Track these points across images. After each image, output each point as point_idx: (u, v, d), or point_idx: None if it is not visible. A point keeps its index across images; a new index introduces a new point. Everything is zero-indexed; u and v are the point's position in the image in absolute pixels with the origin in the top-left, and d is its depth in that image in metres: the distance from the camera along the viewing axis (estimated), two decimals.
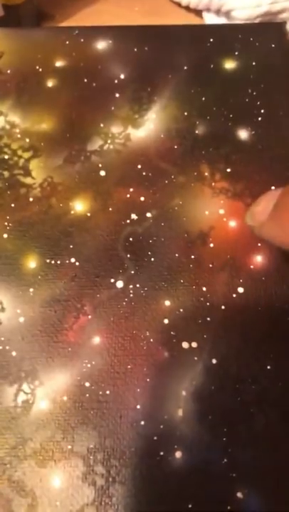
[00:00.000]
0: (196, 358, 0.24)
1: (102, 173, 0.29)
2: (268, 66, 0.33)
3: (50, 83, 0.33)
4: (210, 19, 0.37)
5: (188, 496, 0.22)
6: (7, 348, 0.25)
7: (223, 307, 0.25)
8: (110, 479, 0.22)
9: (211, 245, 0.27)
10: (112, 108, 0.31)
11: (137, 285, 0.26)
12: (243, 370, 0.24)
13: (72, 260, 0.27)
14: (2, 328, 0.25)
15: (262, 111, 0.31)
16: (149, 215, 0.28)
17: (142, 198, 0.28)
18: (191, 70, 0.33)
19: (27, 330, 0.25)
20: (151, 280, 0.26)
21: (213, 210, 0.28)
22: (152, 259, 0.27)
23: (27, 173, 0.29)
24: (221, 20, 0.37)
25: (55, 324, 0.25)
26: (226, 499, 0.21)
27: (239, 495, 0.22)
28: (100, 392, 0.24)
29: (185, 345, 0.24)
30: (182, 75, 0.33)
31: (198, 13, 0.39)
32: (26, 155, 0.30)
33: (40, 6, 0.39)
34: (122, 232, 0.27)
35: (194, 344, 0.24)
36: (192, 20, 0.39)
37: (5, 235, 0.27)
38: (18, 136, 0.31)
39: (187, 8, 0.39)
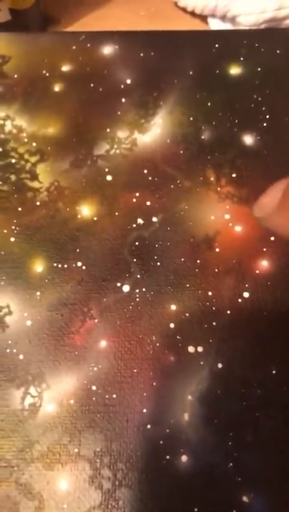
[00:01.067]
0: (202, 363, 0.24)
1: (109, 177, 0.30)
2: (273, 72, 0.33)
3: (56, 88, 0.33)
4: (215, 25, 0.38)
5: (194, 500, 0.22)
6: (14, 351, 0.25)
7: (228, 312, 0.25)
8: (117, 483, 0.22)
9: (217, 250, 0.27)
10: (119, 113, 0.32)
11: (143, 289, 0.26)
12: (248, 374, 0.24)
13: (79, 264, 0.27)
14: (9, 331, 0.25)
15: (267, 116, 0.31)
16: (155, 219, 0.28)
17: (148, 203, 0.29)
18: (197, 75, 0.33)
19: (34, 333, 0.25)
20: (157, 284, 0.26)
21: (218, 214, 0.28)
22: (158, 263, 0.27)
23: (34, 177, 0.30)
24: (227, 26, 0.37)
25: (62, 328, 0.25)
26: (232, 503, 0.22)
27: (245, 499, 0.22)
28: (107, 396, 0.24)
29: (191, 349, 0.25)
30: (188, 80, 0.33)
31: (203, 18, 0.39)
32: (33, 159, 0.30)
33: (47, 11, 0.39)
34: (128, 236, 0.28)
35: (200, 348, 0.25)
36: (198, 25, 0.39)
37: (12, 239, 0.28)
38: (25, 140, 0.31)
39: (193, 13, 0.39)
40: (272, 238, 0.27)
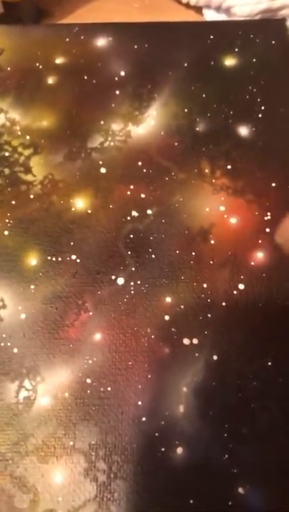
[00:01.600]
0: (197, 355, 0.24)
1: (103, 170, 0.29)
2: (268, 63, 0.33)
3: (50, 80, 0.33)
4: (210, 16, 0.37)
5: (189, 492, 0.22)
6: (8, 344, 0.25)
7: (223, 303, 0.25)
8: (112, 475, 0.22)
9: (212, 242, 0.27)
10: (113, 105, 0.31)
11: (138, 282, 0.26)
12: (244, 366, 0.24)
13: (73, 257, 0.27)
14: (3, 324, 0.25)
15: (262, 107, 0.31)
16: (149, 212, 0.28)
17: (143, 195, 0.28)
18: (192, 66, 0.33)
19: (28, 327, 0.25)
20: (152, 277, 0.26)
21: (213, 206, 0.28)
22: (153, 256, 0.27)
23: (28, 170, 0.30)
24: (221, 17, 0.37)
25: (56, 321, 0.25)
26: (227, 495, 0.22)
27: (240, 490, 0.22)
28: (102, 389, 0.24)
29: (186, 341, 0.24)
30: (182, 71, 0.33)
31: (198, 10, 0.39)
32: (27, 152, 0.30)
33: (40, 4, 0.39)
34: (123, 229, 0.27)
35: (195, 340, 0.24)
36: (192, 17, 0.39)
37: (6, 232, 0.27)
38: (19, 133, 0.31)
39: (187, 5, 0.39)
40: (267, 230, 0.27)
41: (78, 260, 0.27)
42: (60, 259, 0.27)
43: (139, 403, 0.23)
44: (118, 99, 0.32)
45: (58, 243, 0.27)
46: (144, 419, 0.23)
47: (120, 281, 0.26)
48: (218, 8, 0.36)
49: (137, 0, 0.39)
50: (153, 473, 0.22)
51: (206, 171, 0.29)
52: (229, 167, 0.29)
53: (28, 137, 0.31)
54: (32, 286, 0.26)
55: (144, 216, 0.28)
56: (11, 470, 0.22)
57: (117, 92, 0.32)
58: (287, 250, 0.21)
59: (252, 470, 0.22)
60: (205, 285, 0.26)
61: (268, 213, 0.27)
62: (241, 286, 0.26)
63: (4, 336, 0.25)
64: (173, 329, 0.25)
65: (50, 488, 0.22)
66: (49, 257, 0.27)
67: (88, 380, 0.24)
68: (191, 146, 0.30)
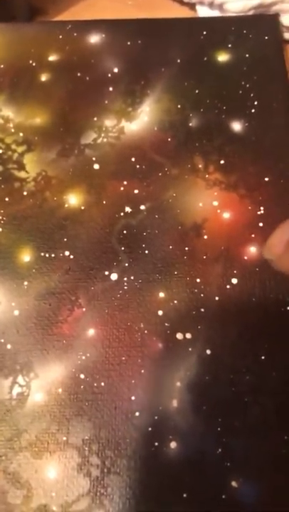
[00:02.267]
0: (190, 349, 0.24)
1: (96, 166, 0.29)
2: (261, 58, 0.33)
3: (43, 77, 0.33)
4: (203, 12, 0.37)
5: (183, 486, 0.22)
6: (2, 341, 0.25)
7: (217, 298, 0.25)
8: (105, 470, 0.22)
9: (205, 237, 0.27)
10: (106, 102, 0.31)
11: (131, 277, 0.26)
12: (237, 360, 0.24)
13: (67, 253, 0.27)
14: None
15: (255, 103, 0.31)
16: (142, 207, 0.28)
17: (136, 191, 0.28)
18: (185, 63, 0.33)
19: (22, 323, 0.25)
20: (145, 272, 0.26)
21: (206, 201, 0.28)
22: (146, 251, 0.27)
23: (21, 167, 0.30)
24: (215, 13, 0.37)
25: (49, 317, 0.25)
26: (221, 488, 0.22)
27: (234, 484, 0.22)
28: (95, 384, 0.24)
29: (179, 336, 0.24)
30: (175, 68, 0.33)
31: (191, 6, 0.39)
32: (20, 149, 0.30)
33: (33, 1, 0.39)
34: (116, 224, 0.28)
35: (188, 335, 0.24)
36: (186, 14, 0.39)
37: None
38: (12, 130, 0.31)
39: (181, 1, 0.39)
40: (260, 224, 0.27)
41: (72, 256, 0.27)
42: (53, 255, 0.27)
43: (133, 398, 0.23)
44: (111, 96, 0.32)
45: (51, 239, 0.27)
46: (137, 414, 0.23)
47: (114, 276, 0.26)
48: (211, 4, 0.36)
49: None
50: (146, 468, 0.22)
51: (200, 166, 0.29)
52: (222, 162, 0.29)
53: (21, 134, 0.31)
54: (25, 283, 0.26)
55: (137, 212, 0.28)
56: (5, 466, 0.22)
57: (110, 89, 0.32)
58: (276, 267, 0.20)
59: (245, 464, 0.22)
60: (198, 280, 0.26)
61: (261, 208, 0.27)
62: (234, 281, 0.26)
63: None
64: (166, 324, 0.25)
65: (43, 484, 0.22)
66: (42, 254, 0.27)
67: (82, 376, 0.24)
68: (184, 142, 0.30)
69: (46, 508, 0.21)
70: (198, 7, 0.38)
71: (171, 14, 0.37)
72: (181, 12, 0.39)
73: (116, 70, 0.33)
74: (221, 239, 0.27)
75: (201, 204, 0.28)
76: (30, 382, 0.24)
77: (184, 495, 0.22)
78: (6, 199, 0.28)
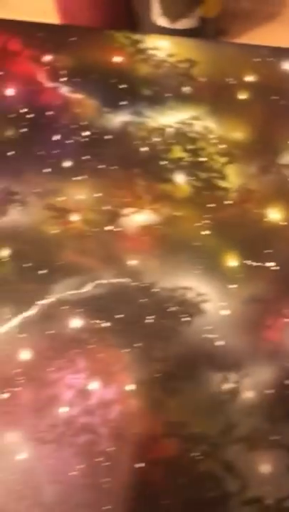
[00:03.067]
0: None
1: None
2: None
3: (240, 95, 0.35)
4: None
5: None
6: (213, 336, 0.26)
7: None
8: None
9: None
10: None
11: None
12: None
13: (270, 264, 0.28)
14: (207, 317, 0.27)
15: None
16: None
17: None
18: None
19: (232, 323, 0.27)
20: None
21: None
22: None
23: (223, 177, 0.31)
24: None
25: (257, 322, 0.27)
26: None
27: None
28: None
29: None
30: None
31: None
32: (222, 160, 0.32)
33: (218, 22, 0.41)
34: None
35: None
36: None
37: (206, 232, 0.29)
38: (214, 141, 0.33)
39: None
40: None
41: (275, 268, 0.28)
42: (256, 264, 0.29)
43: None
44: None
45: (254, 249, 0.29)
46: None
47: None
48: None
49: None
50: None
51: None
52: None
53: (222, 146, 0.33)
54: (233, 286, 0.28)
55: None
56: (221, 454, 0.24)
57: None
58: None
59: None
60: None
61: None
62: None
63: (209, 328, 0.27)
64: None
65: (258, 477, 0.23)
66: (245, 261, 0.29)
67: (286, 382, 0.25)
68: None
69: (261, 500, 0.23)
70: None
71: None
72: None
73: None
74: None
75: None
76: (241, 380, 0.25)
77: None
78: (212, 205, 0.30)
